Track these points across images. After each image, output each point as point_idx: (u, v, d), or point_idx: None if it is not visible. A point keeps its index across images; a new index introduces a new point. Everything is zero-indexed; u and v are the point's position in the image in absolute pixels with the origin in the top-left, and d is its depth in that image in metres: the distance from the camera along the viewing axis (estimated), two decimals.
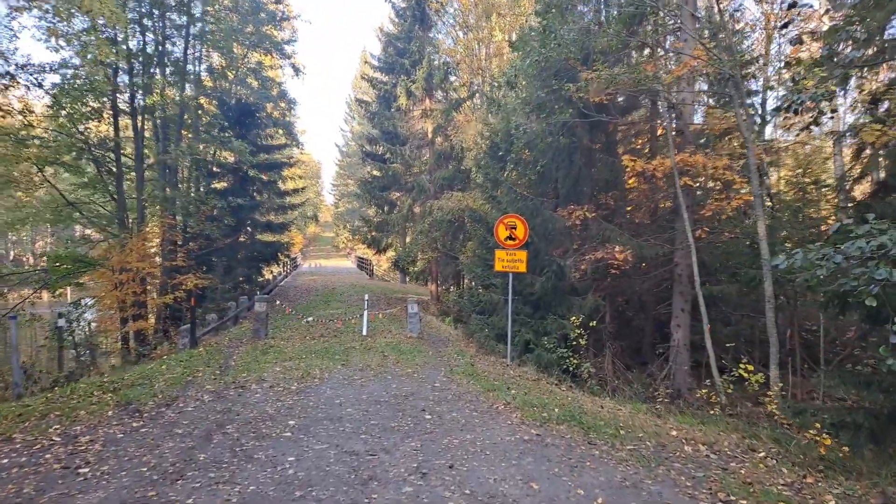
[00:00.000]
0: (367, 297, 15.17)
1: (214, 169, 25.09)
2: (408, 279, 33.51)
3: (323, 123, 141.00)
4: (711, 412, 9.87)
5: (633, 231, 12.60)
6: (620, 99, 13.10)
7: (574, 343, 11.27)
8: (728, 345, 12.30)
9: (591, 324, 11.42)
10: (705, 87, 14.37)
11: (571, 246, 12.42)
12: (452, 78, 25.15)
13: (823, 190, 14.35)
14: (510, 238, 11.17)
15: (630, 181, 12.46)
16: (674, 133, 11.34)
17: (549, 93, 11.67)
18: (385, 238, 24.19)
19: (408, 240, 23.43)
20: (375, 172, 27.33)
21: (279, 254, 27.05)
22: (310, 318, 15.32)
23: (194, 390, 8.35)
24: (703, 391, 9.89)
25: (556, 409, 7.23)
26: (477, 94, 24.43)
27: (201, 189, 25.98)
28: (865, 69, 9.08)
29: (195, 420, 6.76)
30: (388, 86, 25.06)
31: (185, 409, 7.30)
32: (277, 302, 14.56)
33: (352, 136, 62.12)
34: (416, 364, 10.67)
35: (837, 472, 5.78)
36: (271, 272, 31.14)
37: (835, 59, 8.12)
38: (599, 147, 12.32)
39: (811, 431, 6.52)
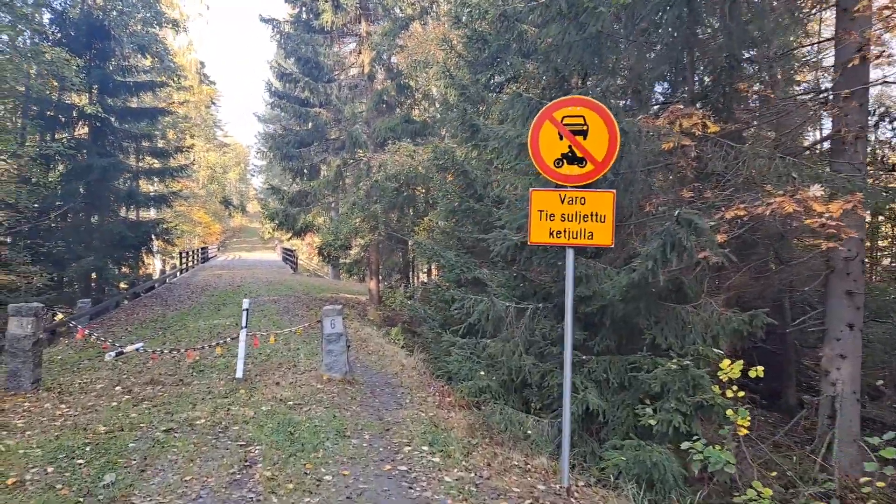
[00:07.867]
0: (247, 302, 7.90)
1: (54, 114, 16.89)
2: (342, 274, 25.99)
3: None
4: None
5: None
6: None
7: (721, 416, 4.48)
8: None
9: (752, 372, 4.70)
10: None
11: (678, 192, 5.60)
12: None
13: None
14: (571, 159, 4.27)
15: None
16: None
17: None
18: (303, 215, 16.71)
19: (342, 212, 16.01)
20: (293, 126, 19.77)
21: (153, 238, 19.09)
22: (134, 347, 7.86)
23: None
24: None
25: None
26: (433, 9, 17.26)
27: (46, 141, 17.62)
28: None
29: None
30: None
31: None
32: (71, 322, 7.06)
33: (270, 96, 52.89)
34: None
35: None
36: (150, 264, 23.06)
37: None
38: None
39: None
